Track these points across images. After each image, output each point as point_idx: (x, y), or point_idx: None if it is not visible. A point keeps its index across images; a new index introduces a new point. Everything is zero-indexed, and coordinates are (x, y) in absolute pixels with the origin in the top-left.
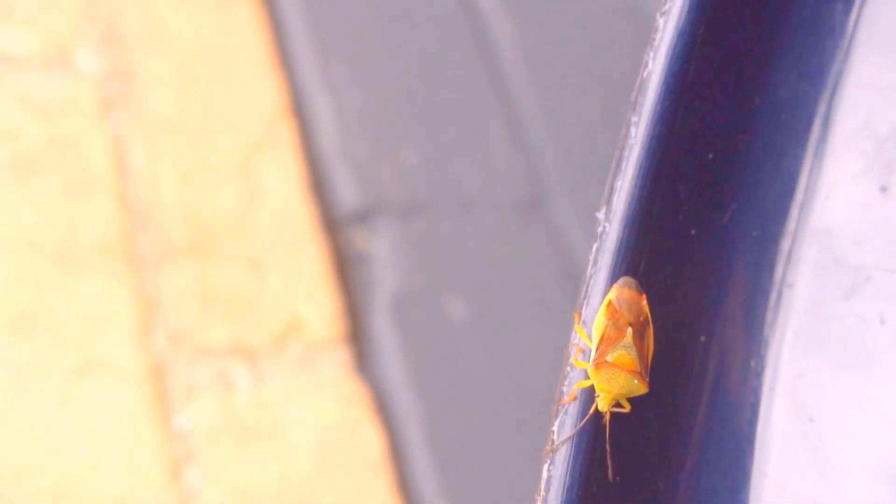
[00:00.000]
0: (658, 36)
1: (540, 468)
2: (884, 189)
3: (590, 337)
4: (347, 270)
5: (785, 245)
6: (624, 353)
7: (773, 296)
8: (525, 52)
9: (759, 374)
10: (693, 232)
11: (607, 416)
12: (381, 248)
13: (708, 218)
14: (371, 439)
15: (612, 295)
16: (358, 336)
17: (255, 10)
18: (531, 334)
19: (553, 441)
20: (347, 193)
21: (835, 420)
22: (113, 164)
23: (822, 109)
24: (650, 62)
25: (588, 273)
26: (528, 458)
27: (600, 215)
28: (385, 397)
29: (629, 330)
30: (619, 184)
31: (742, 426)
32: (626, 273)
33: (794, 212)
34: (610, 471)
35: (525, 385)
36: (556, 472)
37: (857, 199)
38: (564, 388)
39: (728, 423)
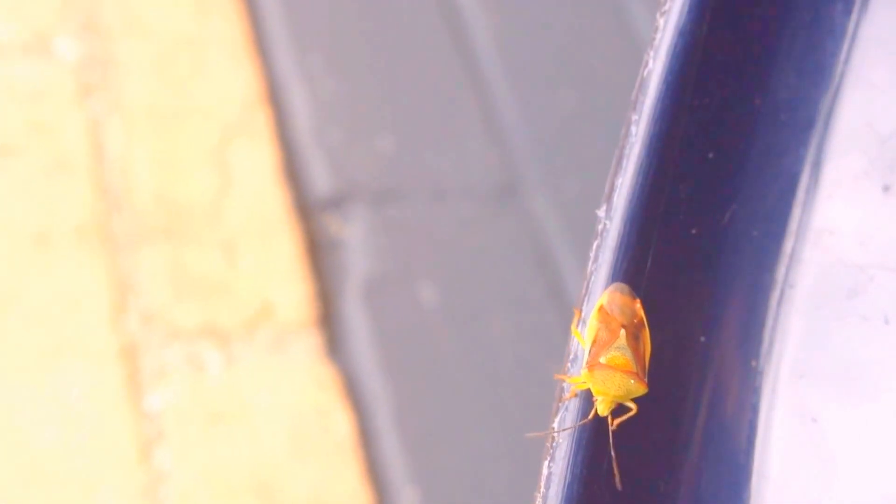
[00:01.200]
0: (658, 35)
1: (540, 465)
2: (886, 188)
3: (585, 341)
4: (320, 256)
5: (786, 245)
6: (618, 354)
7: (775, 296)
8: (499, 41)
9: (760, 375)
10: (694, 231)
11: (612, 423)
12: (353, 234)
13: (709, 217)
14: (341, 423)
15: (603, 300)
16: (329, 321)
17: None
18: (502, 321)
19: (553, 437)
20: (321, 180)
21: (838, 421)
22: (90, 148)
23: (823, 109)
24: (651, 61)
25: (588, 270)
26: (497, 443)
27: (601, 213)
28: (355, 382)
29: (622, 332)
30: (619, 181)
31: (743, 427)
32: (628, 270)
33: (795, 211)
34: (617, 479)
35: (495, 371)
36: (556, 468)
37: (859, 199)
38: (565, 385)
39: (729, 423)
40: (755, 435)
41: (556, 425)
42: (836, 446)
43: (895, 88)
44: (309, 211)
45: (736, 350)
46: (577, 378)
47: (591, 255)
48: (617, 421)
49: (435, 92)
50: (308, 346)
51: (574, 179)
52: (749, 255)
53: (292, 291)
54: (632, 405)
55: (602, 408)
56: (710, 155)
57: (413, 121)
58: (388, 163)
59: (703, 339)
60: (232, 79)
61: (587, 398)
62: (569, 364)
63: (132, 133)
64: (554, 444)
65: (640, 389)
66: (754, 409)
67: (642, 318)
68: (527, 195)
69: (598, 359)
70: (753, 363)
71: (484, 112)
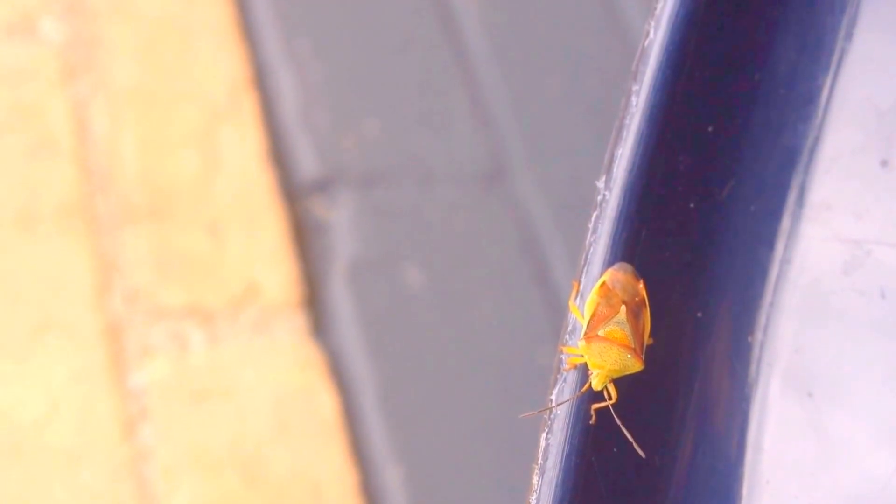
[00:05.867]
0: (660, 5)
1: (538, 437)
2: (884, 163)
3: (582, 315)
4: (306, 238)
5: (784, 220)
6: (616, 328)
7: (772, 271)
8: (487, 25)
9: (756, 349)
10: (692, 205)
11: (610, 396)
12: (340, 217)
13: (707, 191)
14: (325, 403)
15: (606, 277)
16: (314, 302)
17: None
18: (488, 304)
19: (551, 409)
20: (308, 163)
21: (834, 395)
22: (74, 129)
23: (822, 84)
24: (651, 31)
25: (587, 241)
26: (480, 423)
27: (600, 184)
28: (340, 362)
29: (623, 307)
30: (619, 152)
31: (740, 401)
32: (627, 241)
33: (793, 186)
34: (636, 446)
35: (479, 353)
36: (553, 440)
37: (857, 173)
38: (563, 357)
39: (725, 398)
40: (751, 409)
41: (553, 397)
42: (831, 421)
43: (894, 64)
44: (295, 194)
45: (732, 325)
46: (574, 349)
47: (590, 226)
48: (595, 407)
49: (422, 76)
50: (293, 326)
51: (561, 165)
52: (747, 229)
53: (278, 273)
54: (613, 393)
55: (596, 382)
56: (710, 128)
57: (400, 105)
58: (374, 147)
59: (699, 314)
60: (218, 62)
61: (586, 370)
62: (566, 336)
63: (117, 115)
64: (552, 415)
65: (637, 366)
66: (750, 384)
67: (644, 298)
68: (513, 180)
69: (596, 331)
70: (750, 338)
71: (471, 96)
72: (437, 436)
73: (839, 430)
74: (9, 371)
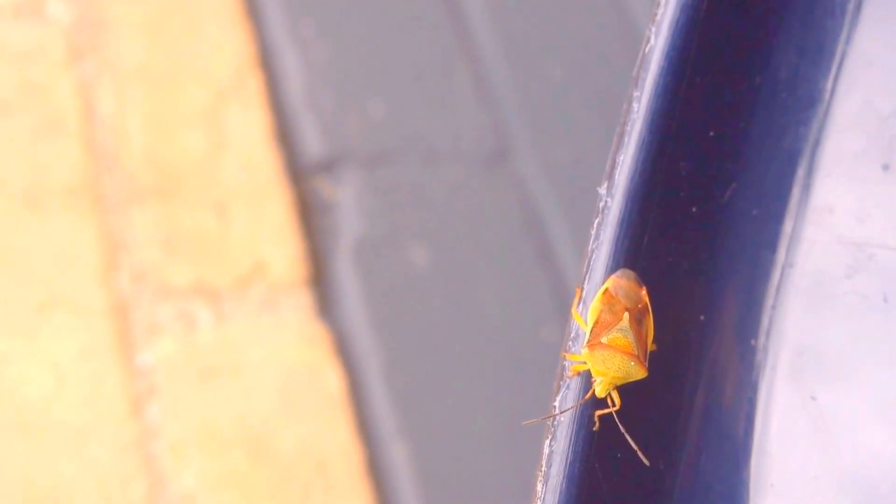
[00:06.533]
0: (660, 10)
1: (541, 444)
2: (886, 167)
3: (585, 322)
4: (312, 217)
5: (786, 223)
6: (620, 335)
7: (774, 274)
8: (492, 5)
9: (760, 353)
10: (694, 210)
11: (614, 403)
12: (345, 197)
13: (708, 196)
14: (331, 380)
15: (608, 284)
16: (320, 280)
17: None
18: (492, 282)
19: (554, 417)
20: (313, 143)
21: (837, 399)
22: (81, 109)
23: (823, 88)
24: (652, 37)
25: (590, 247)
26: (485, 400)
27: (602, 190)
28: (346, 340)
29: (626, 315)
30: (621, 158)
31: (743, 405)
32: (629, 248)
33: (795, 190)
34: (640, 454)
35: (483, 331)
36: (557, 447)
37: (858, 177)
38: (566, 364)
39: (729, 402)
40: (755, 413)
41: (557, 404)
42: (835, 424)
43: (895, 68)
44: (301, 173)
45: (735, 328)
46: (577, 356)
47: (592, 232)
48: (598, 414)
49: (427, 56)
50: (299, 304)
51: (564, 144)
52: (749, 233)
53: (284, 251)
54: (617, 399)
55: (600, 389)
56: (711, 133)
57: (405, 85)
58: (379, 126)
59: (702, 317)
60: (224, 42)
61: (589, 377)
62: (569, 343)
63: (124, 95)
64: (555, 423)
65: (640, 373)
66: (754, 388)
67: (647, 305)
68: (517, 160)
69: (599, 338)
70: (753, 342)
71: (476, 77)
72: (442, 412)
73: (844, 432)
74: (17, 348)
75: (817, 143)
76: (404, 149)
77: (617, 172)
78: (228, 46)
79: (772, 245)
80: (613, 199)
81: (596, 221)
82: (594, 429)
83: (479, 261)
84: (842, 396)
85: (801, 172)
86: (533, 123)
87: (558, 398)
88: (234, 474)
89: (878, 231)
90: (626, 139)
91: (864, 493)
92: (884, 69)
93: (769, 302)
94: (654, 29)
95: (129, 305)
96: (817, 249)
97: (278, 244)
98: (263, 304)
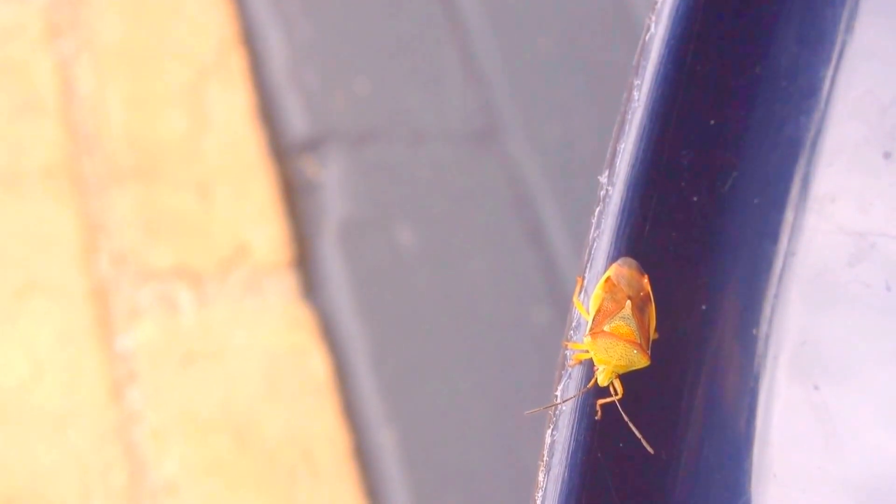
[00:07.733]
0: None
1: (543, 433)
2: (887, 155)
3: (587, 311)
4: (296, 198)
5: (787, 212)
6: (622, 323)
7: (776, 264)
8: None
9: (762, 342)
10: (695, 199)
11: (616, 392)
12: (330, 176)
13: (710, 185)
14: (316, 364)
15: (610, 272)
16: (305, 262)
17: None
18: (480, 263)
19: (556, 406)
20: (297, 122)
21: (840, 387)
22: (60, 88)
23: (824, 77)
24: (653, 25)
25: (591, 236)
26: (473, 383)
27: (603, 179)
28: (331, 322)
29: (628, 303)
30: (621, 146)
31: (745, 395)
32: (630, 237)
33: (796, 179)
34: (644, 442)
35: (472, 313)
36: (559, 437)
37: (860, 166)
38: (567, 353)
39: (731, 392)
40: (757, 403)
41: (559, 393)
42: (837, 414)
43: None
44: (285, 153)
45: (737, 318)
46: (579, 345)
47: (593, 221)
48: (601, 402)
49: (413, 34)
50: (283, 287)
51: (553, 123)
52: (750, 222)
53: (268, 233)
54: (619, 387)
55: (602, 377)
56: (712, 122)
57: (391, 63)
58: (365, 105)
59: (704, 307)
60: (206, 19)
61: (591, 366)
62: (571, 332)
63: (103, 74)
64: (557, 412)
65: (643, 361)
66: (756, 377)
67: (649, 293)
68: (506, 138)
69: (601, 327)
70: (755, 331)
71: (463, 55)
72: (429, 397)
73: (846, 422)
74: None
75: (818, 132)
76: (390, 127)
77: (618, 161)
78: (210, 24)
79: (773, 234)
80: (615, 187)
81: (597, 210)
82: (596, 418)
83: (467, 242)
84: (844, 386)
85: (802, 161)
86: (522, 101)
87: (560, 387)
88: (217, 461)
89: (880, 220)
90: (626, 128)
91: (867, 484)
92: (884, 58)
93: (771, 291)
94: (654, 17)
95: (109, 289)
96: (819, 239)
97: (262, 225)
98: (247, 287)
